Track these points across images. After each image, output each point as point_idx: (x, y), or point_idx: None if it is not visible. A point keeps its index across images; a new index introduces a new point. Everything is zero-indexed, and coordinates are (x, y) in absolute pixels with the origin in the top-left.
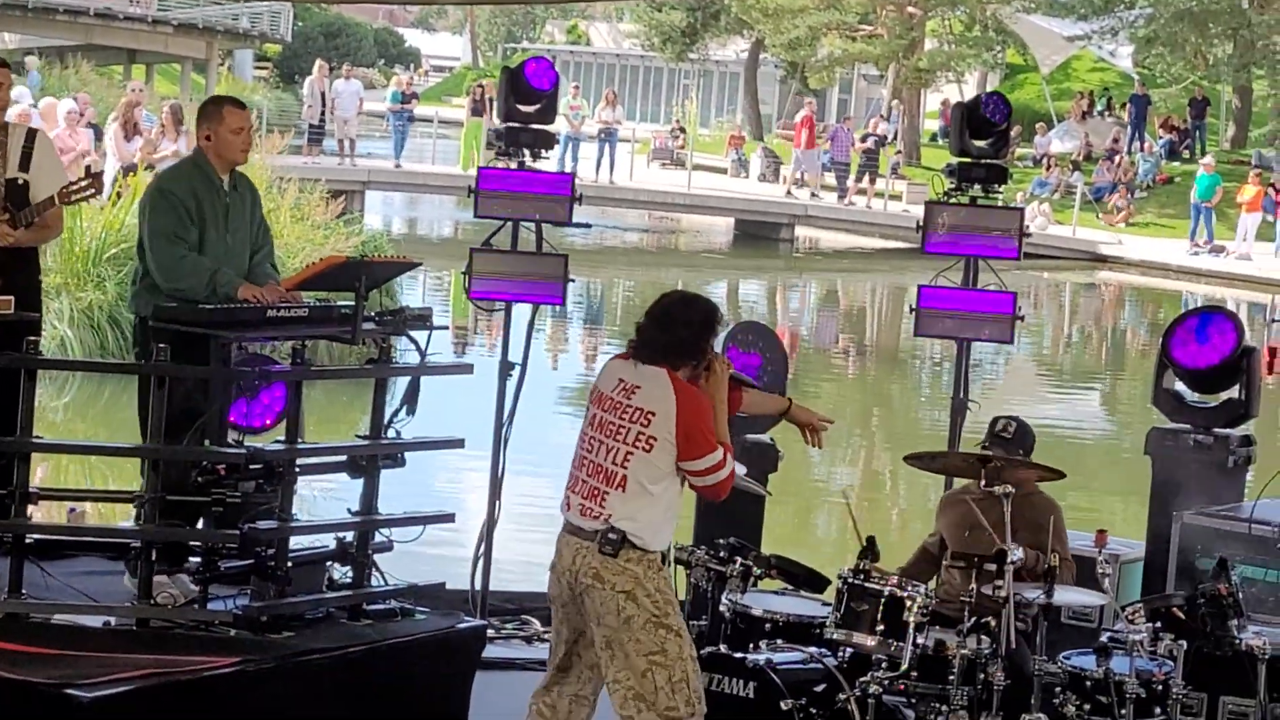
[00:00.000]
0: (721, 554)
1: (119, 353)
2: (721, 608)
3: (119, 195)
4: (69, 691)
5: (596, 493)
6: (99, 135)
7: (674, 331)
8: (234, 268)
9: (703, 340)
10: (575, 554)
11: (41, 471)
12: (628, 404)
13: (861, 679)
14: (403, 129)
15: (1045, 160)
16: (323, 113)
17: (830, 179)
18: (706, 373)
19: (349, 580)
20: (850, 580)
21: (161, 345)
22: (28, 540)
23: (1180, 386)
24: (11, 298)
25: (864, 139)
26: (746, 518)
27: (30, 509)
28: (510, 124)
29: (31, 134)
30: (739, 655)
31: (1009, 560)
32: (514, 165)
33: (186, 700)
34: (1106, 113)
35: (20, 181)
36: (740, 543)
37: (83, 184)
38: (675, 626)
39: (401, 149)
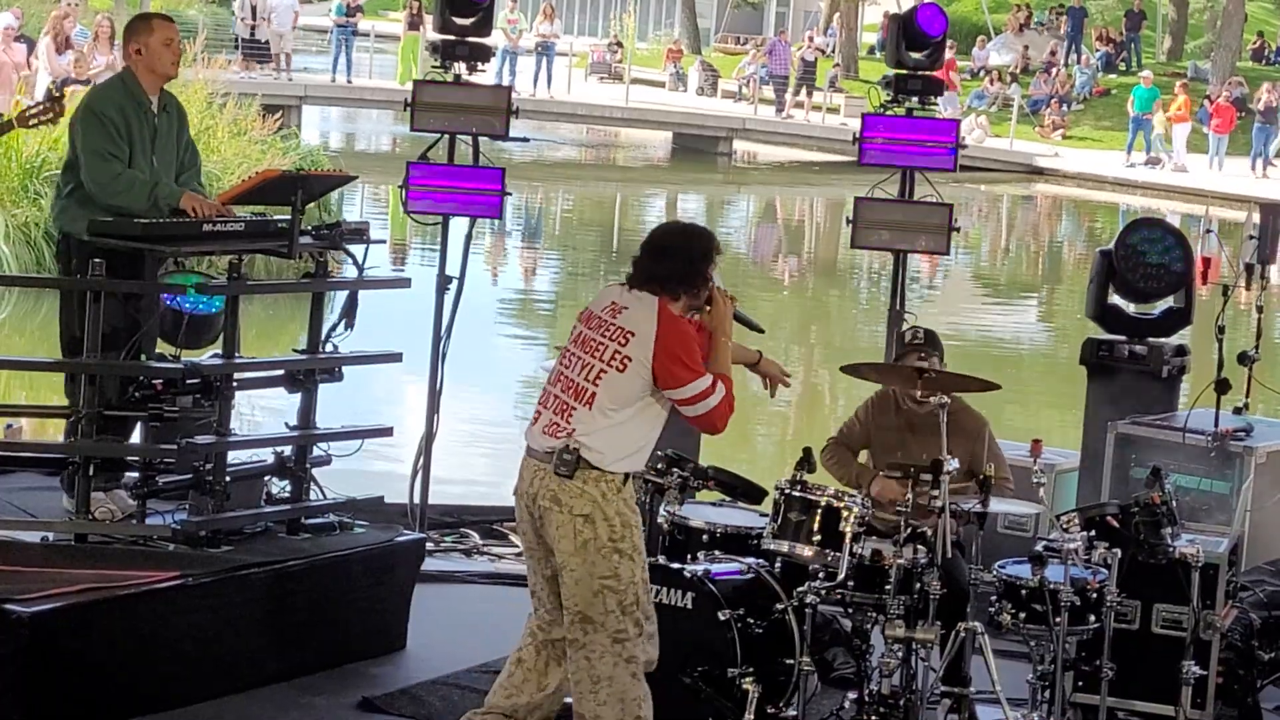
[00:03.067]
0: (659, 465)
1: (55, 269)
2: (659, 519)
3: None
4: (8, 606)
5: (565, 408)
6: (31, 49)
7: (670, 262)
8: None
9: (698, 272)
10: (534, 476)
11: None
12: (612, 322)
13: (799, 589)
14: (347, 42)
15: (982, 72)
16: (254, 27)
17: (768, 92)
18: (708, 305)
19: (287, 495)
20: (787, 491)
21: (97, 260)
22: None
23: (1118, 299)
24: None
25: (801, 52)
26: (685, 428)
27: None
28: (446, 37)
29: None
30: (676, 566)
31: (945, 470)
32: (450, 79)
33: (125, 614)
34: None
35: None
36: (678, 454)
37: (43, 107)
38: (629, 550)
39: (348, 64)
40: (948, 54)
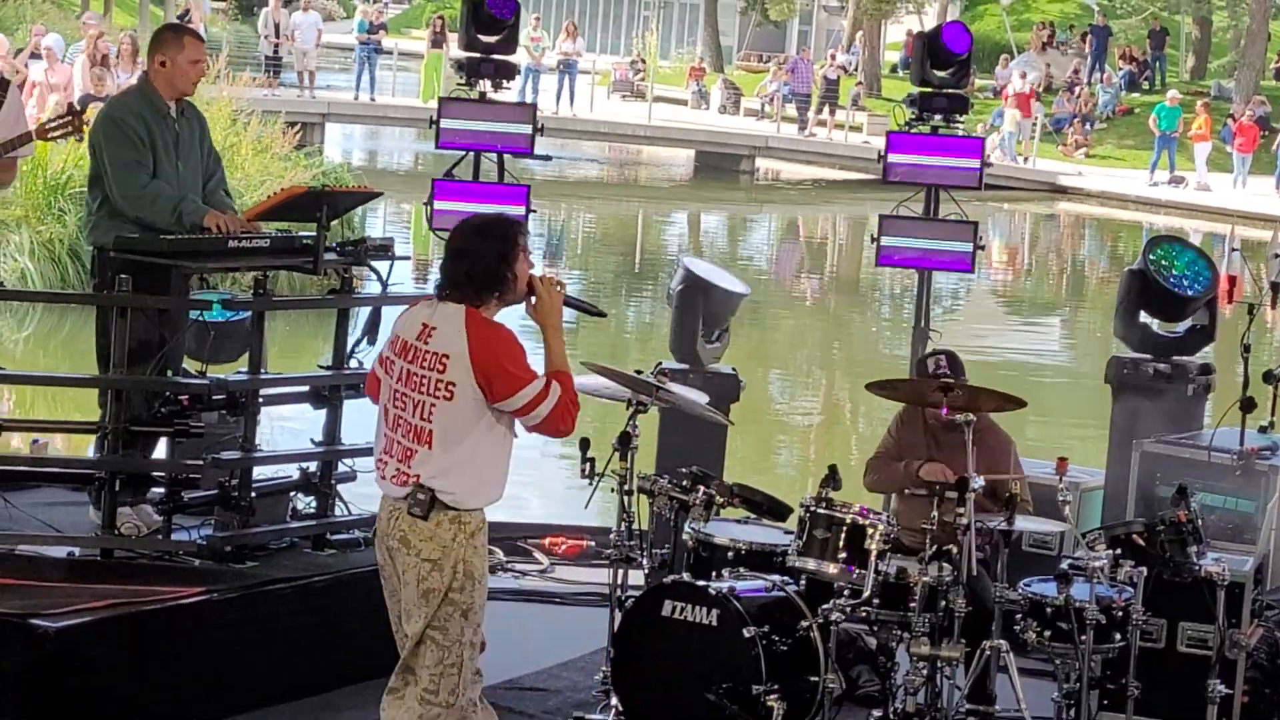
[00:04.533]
0: (684, 482)
1: (79, 285)
2: (684, 536)
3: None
4: (34, 621)
5: (408, 453)
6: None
7: (468, 264)
8: (200, 200)
9: (503, 266)
10: (389, 516)
11: (4, 403)
12: (425, 349)
13: (824, 606)
14: (370, 60)
15: (1006, 91)
16: (276, 45)
17: (791, 110)
18: (532, 298)
19: (312, 510)
20: (813, 508)
21: (123, 275)
22: None
23: (1145, 316)
24: None
25: (824, 70)
26: (709, 446)
27: None
28: (471, 54)
29: (4, 83)
30: (701, 583)
31: (971, 488)
32: (475, 96)
33: (151, 630)
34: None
35: None
36: (703, 471)
37: (63, 120)
38: (466, 605)
39: (371, 81)
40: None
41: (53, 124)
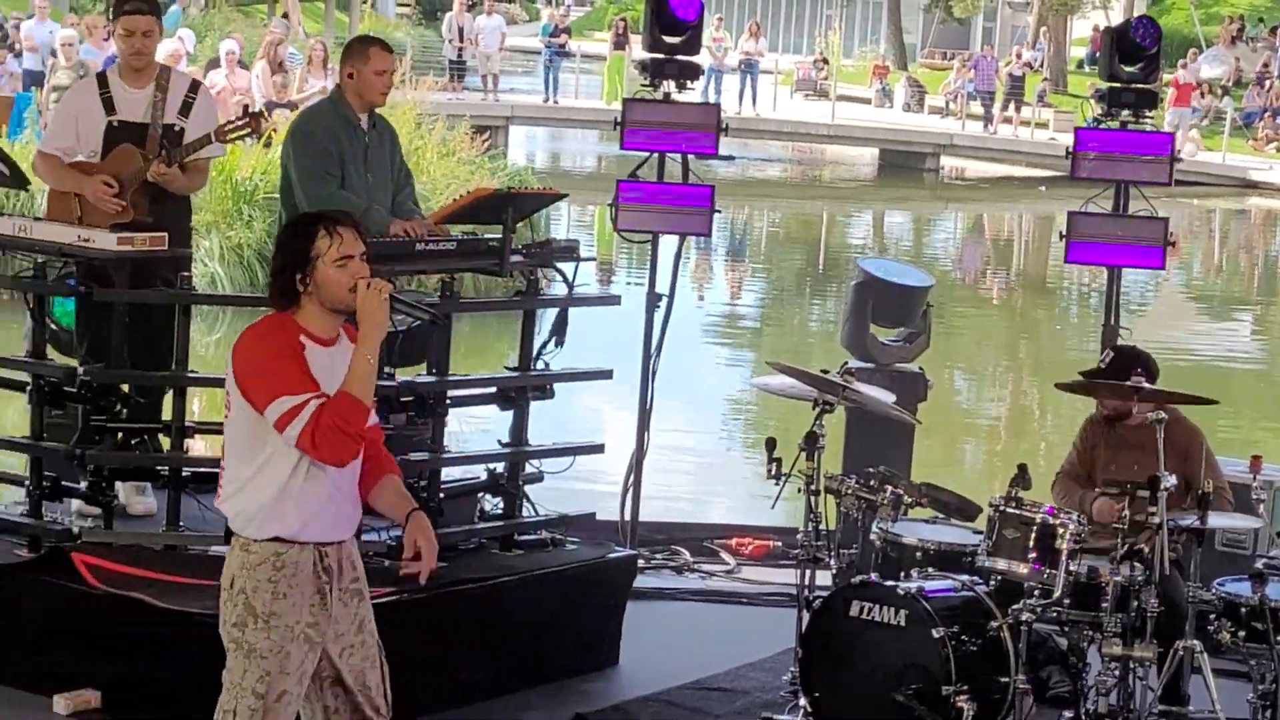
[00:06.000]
0: (872, 483)
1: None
2: (872, 536)
3: (271, 135)
4: None
5: (222, 471)
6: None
7: (272, 263)
8: (384, 210)
9: (291, 269)
10: None
11: (196, 406)
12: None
13: (1014, 607)
14: (553, 63)
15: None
16: (460, 49)
17: (975, 107)
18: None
19: (500, 511)
20: (1002, 508)
21: None
22: (185, 473)
23: None
24: (165, 234)
25: (1008, 65)
26: (896, 446)
27: (187, 442)
28: (655, 55)
29: (195, 85)
30: (890, 583)
31: (1163, 486)
32: (659, 97)
33: None
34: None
35: (177, 128)
36: (890, 471)
37: (240, 122)
38: (249, 646)
39: (554, 83)
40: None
41: (231, 126)
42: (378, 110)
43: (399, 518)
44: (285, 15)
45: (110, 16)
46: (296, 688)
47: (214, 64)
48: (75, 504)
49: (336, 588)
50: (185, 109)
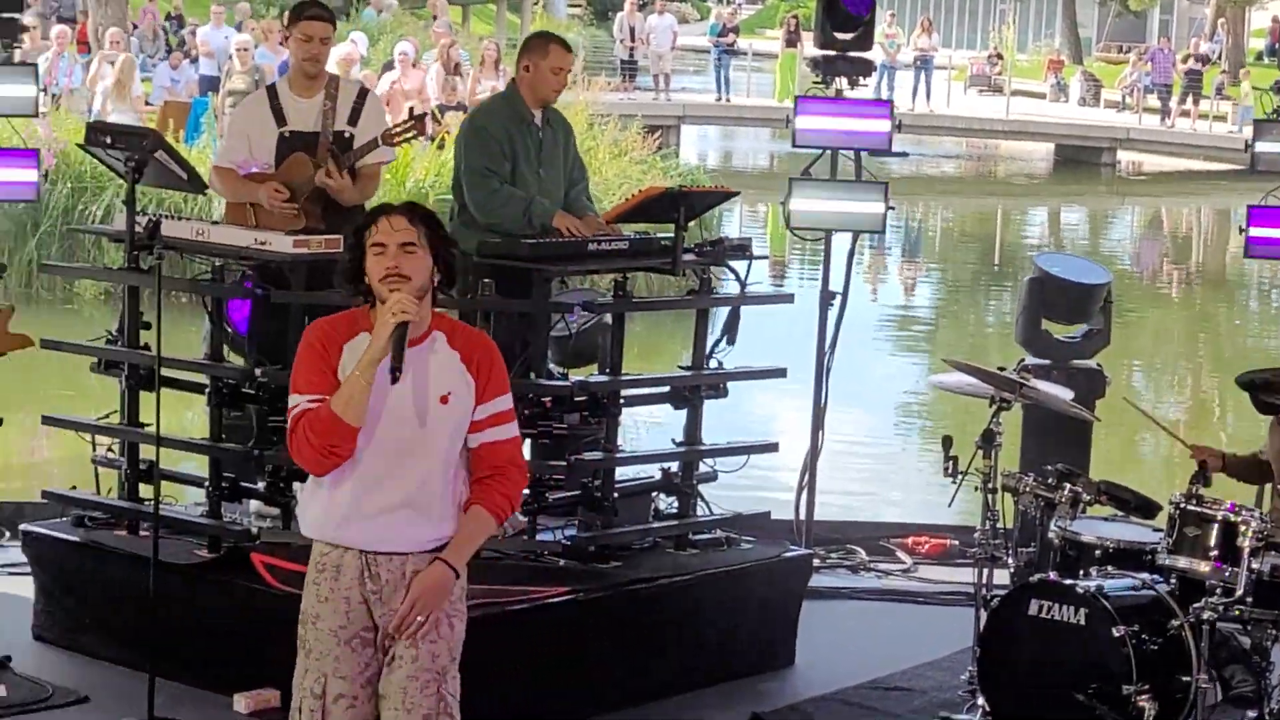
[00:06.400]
0: (1050, 480)
1: None
2: (1050, 534)
3: (444, 137)
4: None
5: None
6: None
7: None
8: (550, 201)
9: (352, 252)
10: None
11: None
12: None
13: (1195, 605)
14: (723, 61)
15: None
16: (632, 49)
17: (1152, 101)
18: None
19: (675, 510)
20: (1183, 505)
21: (486, 280)
22: None
23: None
24: (340, 236)
25: (1185, 59)
26: (1074, 443)
27: None
28: (827, 52)
29: (363, 92)
30: (1069, 582)
31: None
32: (832, 94)
33: (517, 629)
34: None
35: (346, 135)
36: (1068, 469)
37: (406, 125)
38: (306, 644)
39: (726, 82)
40: None
41: (398, 129)
42: (552, 107)
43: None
44: (435, 17)
45: (286, 22)
46: (361, 691)
47: (389, 66)
48: (254, 504)
49: (381, 603)
50: (354, 116)
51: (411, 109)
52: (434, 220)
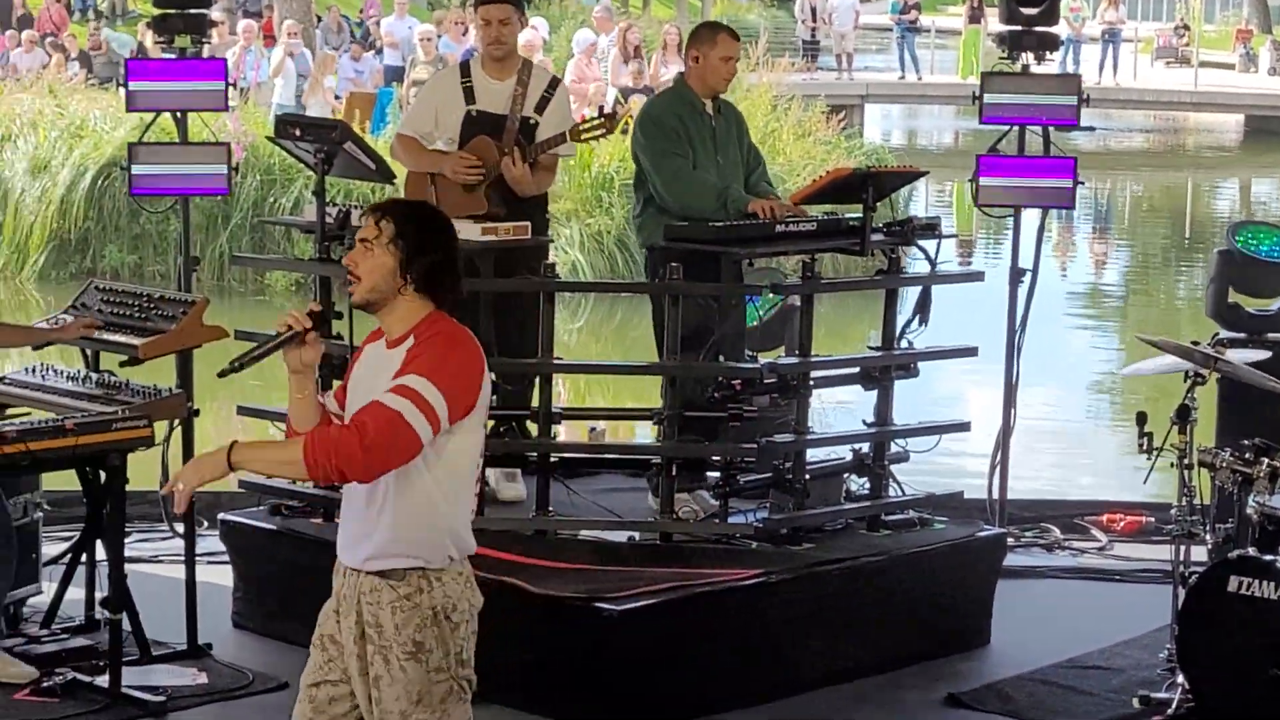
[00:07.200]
0: (1247, 455)
1: (628, 275)
2: (1248, 510)
3: (628, 121)
4: (598, 604)
5: None
6: None
7: None
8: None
9: None
10: None
11: (560, 392)
12: None
13: None
14: (906, 39)
15: None
16: (813, 29)
17: None
18: None
19: (866, 491)
20: None
21: (674, 265)
22: (553, 459)
23: None
24: (528, 223)
25: None
26: (1272, 418)
27: (555, 428)
28: (1013, 27)
29: (555, 82)
30: (1269, 558)
31: None
32: (1018, 70)
33: (710, 611)
34: None
35: (531, 122)
36: (1266, 443)
37: (594, 122)
38: None
39: (912, 60)
40: None
41: (586, 125)
42: (722, 97)
43: None
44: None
45: (470, 8)
46: (305, 691)
47: (572, 52)
48: None
49: (341, 616)
50: (542, 105)
51: (601, 108)
52: (412, 219)
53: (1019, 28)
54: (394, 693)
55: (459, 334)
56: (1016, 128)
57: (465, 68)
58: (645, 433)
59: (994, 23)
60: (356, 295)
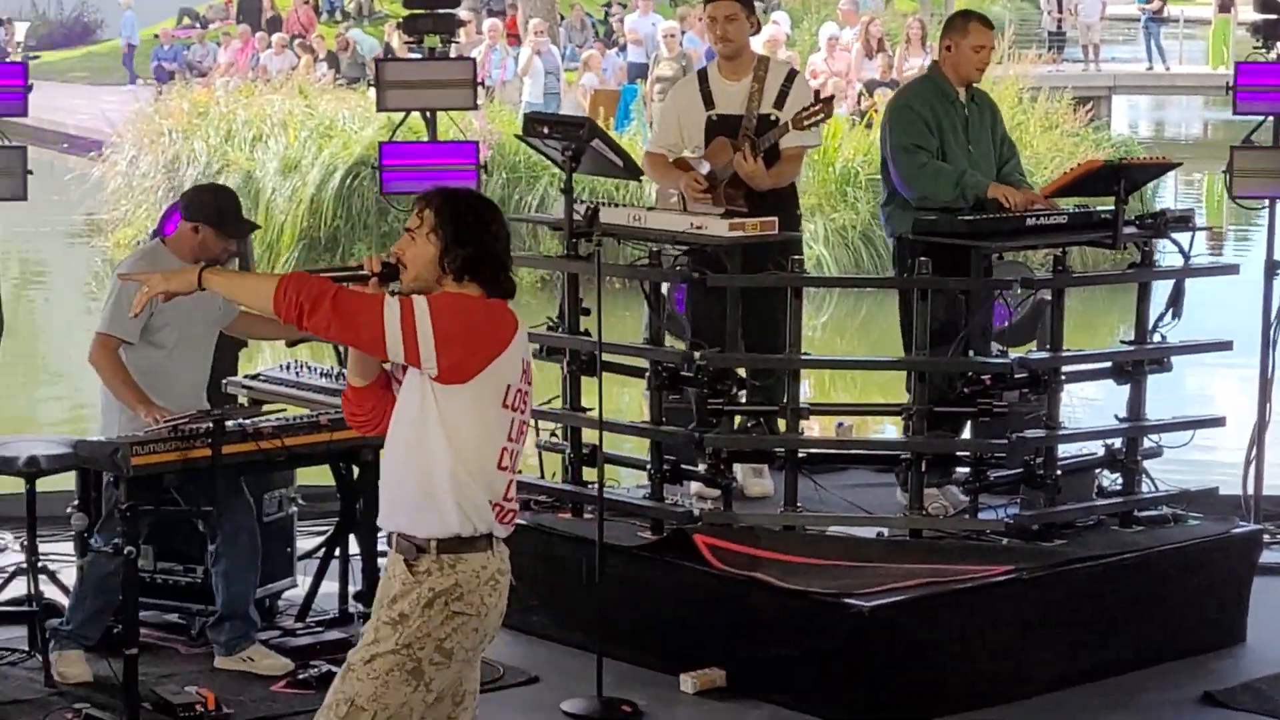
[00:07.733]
0: None
1: (872, 270)
2: None
3: (872, 115)
4: (848, 601)
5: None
6: None
7: None
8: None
9: None
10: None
11: (806, 387)
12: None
13: None
14: (1152, 29)
15: None
16: (1059, 20)
17: None
18: None
19: (1119, 487)
20: None
21: (922, 259)
22: (800, 454)
23: None
24: (775, 219)
25: None
26: None
27: (802, 424)
28: (1266, 16)
29: (792, 74)
30: None
31: None
32: (1272, 58)
33: (961, 608)
34: None
35: (772, 118)
36: None
37: (813, 109)
38: None
39: (1159, 51)
40: None
41: (806, 113)
42: (975, 86)
43: None
44: None
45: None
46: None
47: (817, 45)
48: (694, 486)
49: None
50: (780, 100)
51: (818, 92)
52: (452, 210)
53: (1274, 16)
54: (360, 644)
55: (494, 309)
56: (1272, 118)
57: (703, 74)
58: (890, 429)
59: (1244, 11)
60: (404, 284)
